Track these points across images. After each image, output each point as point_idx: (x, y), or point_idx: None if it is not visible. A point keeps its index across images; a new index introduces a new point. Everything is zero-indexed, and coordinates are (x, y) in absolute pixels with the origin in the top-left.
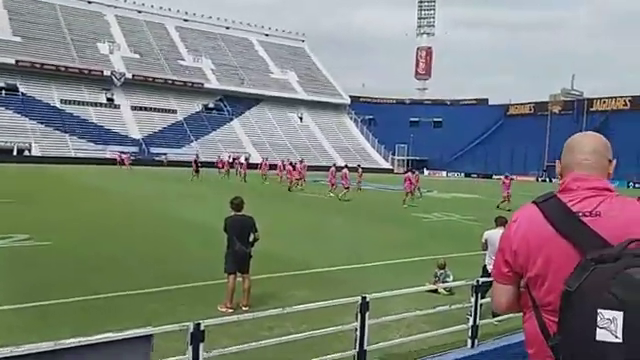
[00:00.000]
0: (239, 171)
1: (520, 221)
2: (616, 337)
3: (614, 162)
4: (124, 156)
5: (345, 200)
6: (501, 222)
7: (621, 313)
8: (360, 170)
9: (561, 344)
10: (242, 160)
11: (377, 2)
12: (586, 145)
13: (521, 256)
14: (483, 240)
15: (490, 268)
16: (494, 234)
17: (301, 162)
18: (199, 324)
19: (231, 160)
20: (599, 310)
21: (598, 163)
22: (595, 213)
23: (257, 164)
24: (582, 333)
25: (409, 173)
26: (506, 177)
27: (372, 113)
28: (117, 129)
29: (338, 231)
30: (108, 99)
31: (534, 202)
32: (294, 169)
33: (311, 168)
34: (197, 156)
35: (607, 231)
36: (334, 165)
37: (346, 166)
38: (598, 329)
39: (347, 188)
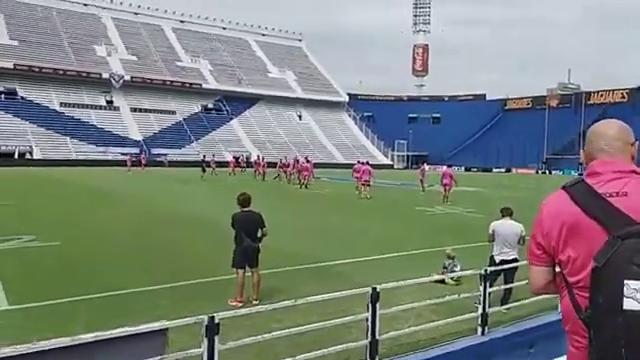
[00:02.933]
0: (258, 170)
1: (550, 205)
2: None
3: (637, 144)
4: (141, 157)
5: (367, 198)
6: (507, 213)
7: None
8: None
9: (592, 316)
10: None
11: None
12: (607, 132)
13: (552, 239)
14: (490, 231)
15: (497, 258)
16: (501, 225)
17: (308, 161)
18: (213, 317)
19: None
20: (626, 281)
21: (621, 148)
22: (622, 193)
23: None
24: (610, 304)
25: (446, 168)
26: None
27: (370, 110)
28: (117, 131)
29: (346, 226)
30: (107, 101)
31: (563, 187)
32: (308, 163)
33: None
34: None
35: (633, 210)
36: (365, 162)
37: (367, 163)
38: (625, 299)
39: (368, 185)
